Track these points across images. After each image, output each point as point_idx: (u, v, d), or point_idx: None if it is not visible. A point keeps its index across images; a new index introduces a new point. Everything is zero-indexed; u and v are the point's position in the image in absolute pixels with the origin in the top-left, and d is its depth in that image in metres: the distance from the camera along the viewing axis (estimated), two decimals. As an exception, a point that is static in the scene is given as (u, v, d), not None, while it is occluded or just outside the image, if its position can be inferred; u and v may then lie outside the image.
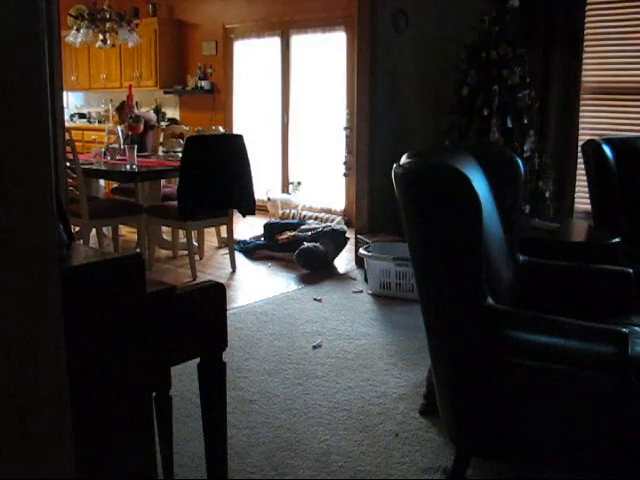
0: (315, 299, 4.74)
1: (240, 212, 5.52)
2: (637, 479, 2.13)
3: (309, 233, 5.80)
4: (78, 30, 6.86)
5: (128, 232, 6.60)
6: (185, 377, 3.10)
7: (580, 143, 4.44)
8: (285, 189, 8.05)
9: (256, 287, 5.11)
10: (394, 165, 2.34)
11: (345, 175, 7.39)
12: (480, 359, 2.24)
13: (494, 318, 2.21)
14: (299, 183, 7.63)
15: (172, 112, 9.44)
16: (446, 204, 2.20)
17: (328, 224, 6.23)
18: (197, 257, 5.72)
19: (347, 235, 5.82)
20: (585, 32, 4.89)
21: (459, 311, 2.26)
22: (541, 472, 2.53)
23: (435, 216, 2.25)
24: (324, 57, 7.59)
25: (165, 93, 9.16)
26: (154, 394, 2.23)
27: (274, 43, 8.04)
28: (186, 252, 5.46)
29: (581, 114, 5.01)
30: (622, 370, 2.01)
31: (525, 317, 2.24)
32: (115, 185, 6.60)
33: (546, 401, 2.17)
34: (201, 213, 5.22)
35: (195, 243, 5.69)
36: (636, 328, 2.50)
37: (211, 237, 6.32)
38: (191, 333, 2.02)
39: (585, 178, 4.11)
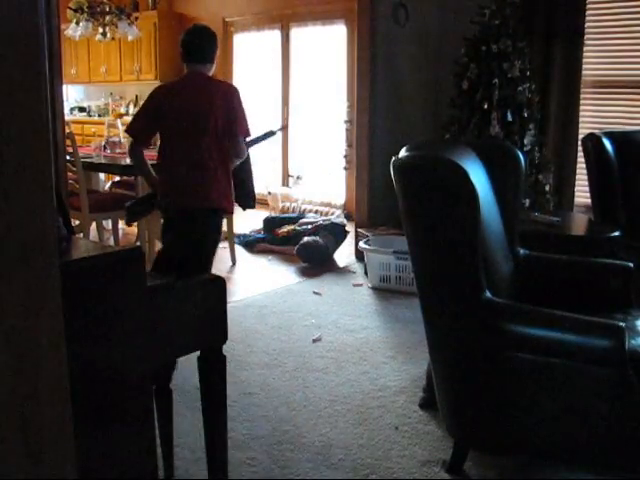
0: (315, 292, 4.75)
1: (240, 206, 5.51)
2: (634, 472, 2.14)
3: (309, 227, 5.80)
4: (77, 23, 6.84)
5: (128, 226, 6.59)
6: (185, 370, 3.11)
7: (580, 137, 4.44)
8: (285, 182, 8.04)
9: (256, 280, 5.11)
10: (393, 158, 2.35)
11: (345, 168, 7.38)
12: (478, 352, 2.25)
13: (492, 312, 2.21)
14: (299, 177, 7.60)
15: (172, 105, 9.42)
16: (443, 197, 2.21)
17: (328, 217, 6.23)
18: (197, 251, 5.71)
19: (347, 228, 5.82)
20: (585, 25, 4.88)
21: (457, 304, 2.26)
22: (538, 465, 2.54)
23: (432, 209, 2.25)
24: (324, 50, 7.57)
25: (165, 86, 9.14)
26: (154, 387, 2.24)
27: (274, 36, 8.02)
28: (186, 246, 5.45)
29: (581, 108, 5.01)
30: (619, 364, 2.02)
31: (523, 311, 2.25)
32: (115, 179, 6.59)
33: (544, 395, 2.17)
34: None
35: (195, 237, 5.68)
36: (636, 322, 2.51)
37: (211, 231, 6.31)
38: (191, 326, 2.02)
39: (585, 172, 4.10)
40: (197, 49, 3.50)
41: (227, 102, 3.47)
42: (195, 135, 3.44)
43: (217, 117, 3.43)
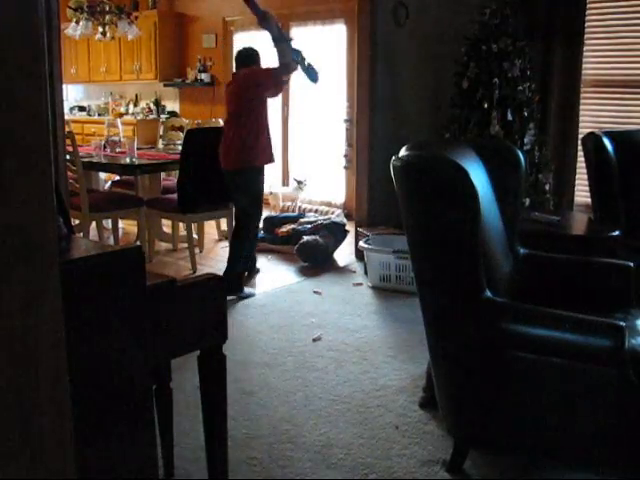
0: (315, 292, 4.75)
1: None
2: (633, 471, 2.14)
3: (309, 226, 5.80)
4: (77, 23, 6.84)
5: (128, 225, 6.60)
6: (185, 370, 3.11)
7: (580, 136, 4.44)
8: (286, 182, 8.03)
9: (256, 280, 5.11)
10: (393, 157, 2.35)
11: (345, 168, 7.38)
12: (478, 352, 2.25)
13: (492, 311, 2.21)
14: (300, 182, 7.51)
15: (172, 105, 9.43)
16: (443, 196, 2.21)
17: (328, 217, 6.23)
18: (197, 250, 5.71)
19: (347, 228, 5.82)
20: (586, 25, 4.88)
21: (457, 304, 2.26)
22: (538, 465, 2.54)
23: (432, 208, 2.25)
24: (324, 50, 7.56)
25: (165, 86, 9.14)
26: (154, 386, 2.24)
27: (274, 36, 8.00)
28: (186, 245, 5.46)
29: (581, 107, 5.01)
30: (618, 363, 2.02)
31: (523, 310, 2.25)
32: (115, 178, 6.60)
33: (544, 394, 2.18)
34: (201, 206, 5.22)
35: (195, 236, 5.69)
36: (636, 322, 2.51)
37: (211, 230, 6.32)
38: (191, 326, 2.02)
39: (585, 171, 4.11)
40: (238, 60, 4.85)
41: (248, 79, 4.59)
42: (229, 115, 4.67)
43: (237, 97, 4.59)
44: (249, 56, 4.78)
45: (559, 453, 2.23)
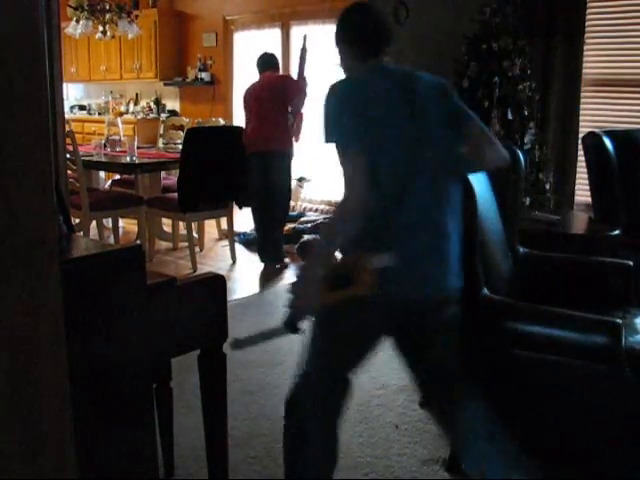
0: (315, 291, 4.74)
1: (238, 204, 5.52)
2: (631, 469, 2.14)
3: (309, 225, 5.80)
4: (78, 21, 6.83)
5: (128, 224, 6.59)
6: (185, 369, 3.11)
7: (581, 135, 4.44)
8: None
9: (256, 279, 5.11)
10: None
11: (345, 167, 7.34)
12: (476, 350, 2.25)
13: (490, 309, 2.22)
14: (302, 179, 7.49)
15: (172, 104, 9.41)
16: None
17: (328, 216, 6.22)
18: (197, 249, 5.71)
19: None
20: (586, 24, 4.88)
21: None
22: (538, 465, 2.54)
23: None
24: (325, 49, 7.55)
25: (165, 85, 9.13)
26: (155, 386, 2.24)
27: (274, 34, 8.00)
28: (186, 244, 5.46)
29: (582, 106, 5.00)
30: (615, 361, 2.02)
31: (520, 308, 2.25)
32: (115, 177, 6.60)
33: (541, 392, 2.18)
34: (201, 205, 5.22)
35: (195, 235, 5.69)
36: (634, 320, 2.51)
37: (211, 229, 6.31)
38: (191, 325, 2.03)
39: (585, 170, 4.10)
40: (260, 64, 5.50)
41: (278, 87, 5.33)
42: (259, 110, 5.26)
43: (268, 98, 5.26)
44: (272, 60, 5.51)
45: (557, 451, 2.23)
